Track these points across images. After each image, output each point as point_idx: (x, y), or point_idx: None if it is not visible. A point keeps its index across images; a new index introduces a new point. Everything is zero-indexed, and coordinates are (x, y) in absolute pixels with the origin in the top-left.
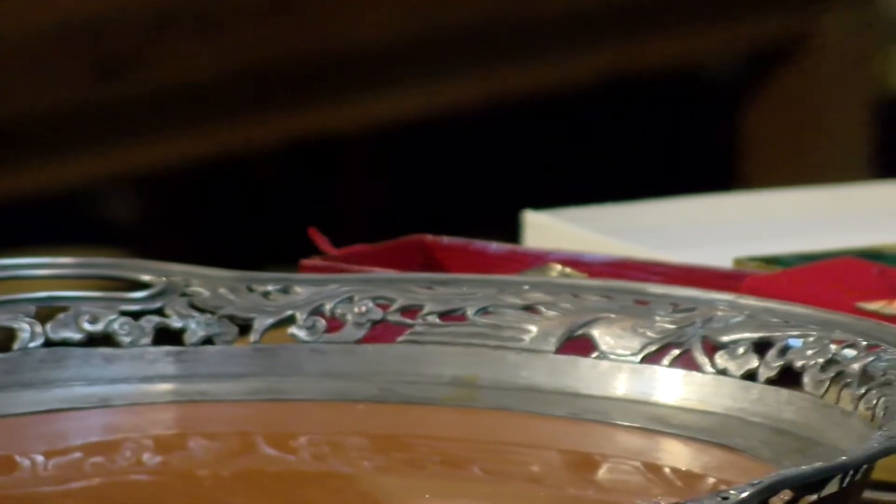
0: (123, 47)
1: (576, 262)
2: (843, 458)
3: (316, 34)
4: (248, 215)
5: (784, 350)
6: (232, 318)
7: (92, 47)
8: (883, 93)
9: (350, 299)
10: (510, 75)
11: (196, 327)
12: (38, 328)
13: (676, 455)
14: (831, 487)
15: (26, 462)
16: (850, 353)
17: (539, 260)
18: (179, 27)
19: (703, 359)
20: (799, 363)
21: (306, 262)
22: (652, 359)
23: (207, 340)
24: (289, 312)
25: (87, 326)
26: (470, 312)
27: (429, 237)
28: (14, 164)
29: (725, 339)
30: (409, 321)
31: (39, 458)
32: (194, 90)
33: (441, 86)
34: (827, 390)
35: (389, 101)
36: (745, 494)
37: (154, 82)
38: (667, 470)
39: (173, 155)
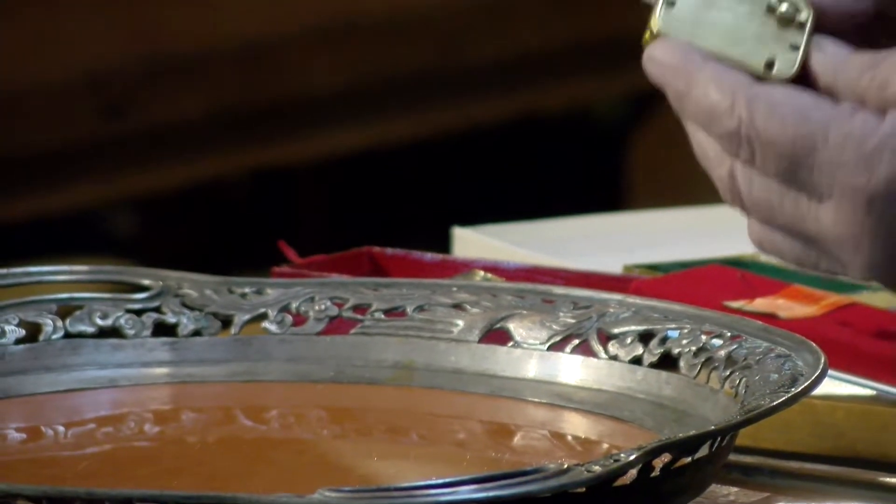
0: (123, 93)
1: (495, 269)
2: (712, 427)
3: (279, 82)
4: (227, 230)
5: (664, 340)
6: (216, 315)
7: (97, 92)
8: None
9: (312, 299)
10: (439, 115)
11: (187, 322)
12: (59, 323)
13: (577, 425)
14: (703, 451)
15: (50, 432)
16: (717, 342)
17: (465, 267)
18: (169, 76)
19: (598, 347)
20: (676, 350)
21: (276, 269)
22: (556, 347)
23: (196, 333)
24: (262, 310)
25: (99, 321)
26: (409, 309)
27: (375, 249)
28: (35, 190)
29: (616, 330)
30: (359, 317)
31: (60, 429)
32: (182, 128)
33: (381, 124)
34: (699, 372)
35: (340, 136)
36: (632, 457)
37: (149, 121)
38: (569, 437)
39: (166, 181)
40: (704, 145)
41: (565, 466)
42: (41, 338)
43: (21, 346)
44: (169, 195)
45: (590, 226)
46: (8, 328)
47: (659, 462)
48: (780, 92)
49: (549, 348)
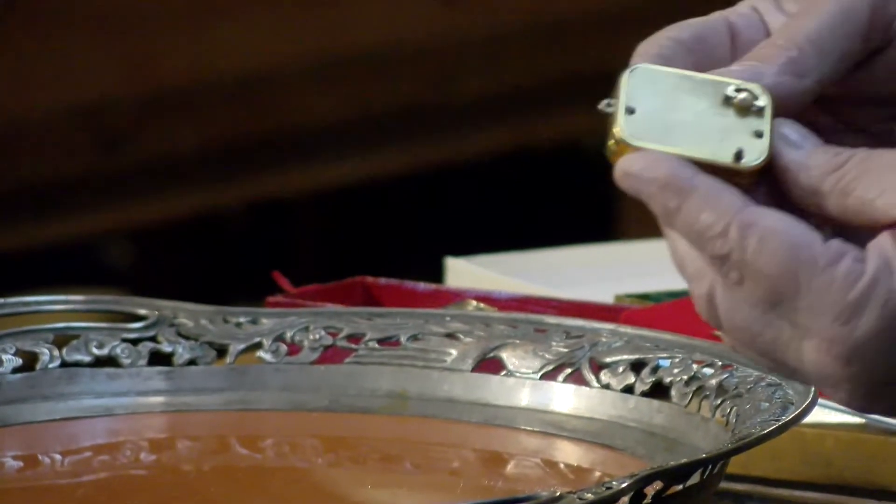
0: (120, 126)
1: (487, 299)
2: (703, 455)
3: (274, 116)
4: (222, 261)
5: (655, 369)
6: (211, 344)
7: (94, 126)
8: None
9: (306, 328)
10: (432, 147)
11: (182, 351)
12: (56, 352)
13: (569, 453)
14: (694, 479)
15: (46, 459)
16: (708, 371)
17: (458, 297)
18: (164, 110)
19: (590, 376)
20: (667, 379)
21: (271, 298)
22: (549, 376)
23: (192, 362)
24: (257, 339)
25: (95, 350)
26: (402, 339)
27: (368, 279)
28: (32, 221)
29: (608, 359)
30: (353, 346)
31: (57, 457)
32: (177, 160)
33: (375, 156)
34: (690, 401)
35: (334, 168)
36: (624, 485)
37: (145, 154)
38: (562, 465)
39: (161, 212)
40: (684, 258)
41: (558, 494)
42: (38, 367)
43: (18, 375)
44: (164, 226)
45: (581, 256)
46: (5, 357)
47: (651, 490)
48: (773, 220)
49: (542, 377)
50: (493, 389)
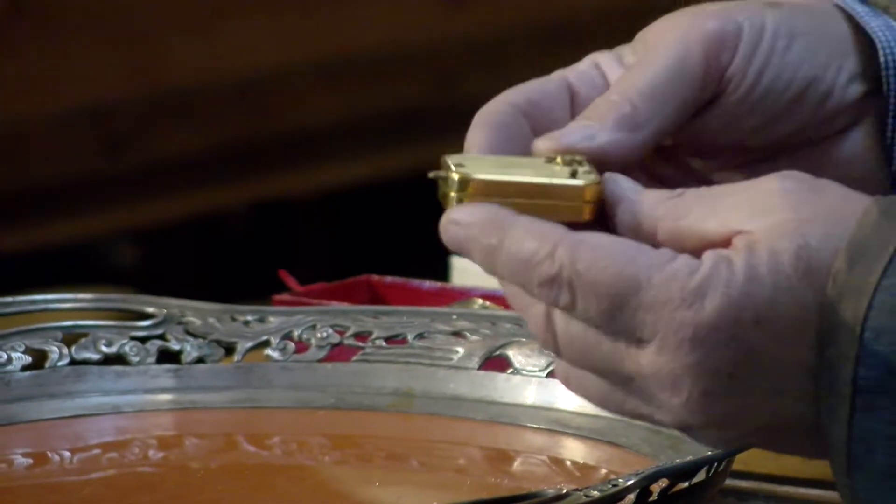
0: (125, 128)
1: (493, 297)
2: (709, 453)
3: (279, 117)
4: (228, 260)
5: None
6: (219, 342)
7: (100, 128)
8: None
9: (313, 327)
10: (436, 147)
11: (190, 349)
12: (65, 350)
13: (575, 451)
14: (699, 476)
15: (55, 457)
16: None
17: (463, 295)
18: (169, 112)
19: None
20: None
21: (278, 297)
22: (555, 374)
23: (199, 360)
24: (264, 337)
25: (104, 349)
26: (409, 337)
27: (374, 277)
28: (39, 221)
29: None
30: (360, 344)
31: (66, 454)
32: (181, 162)
33: (379, 156)
34: None
35: (339, 168)
36: (630, 482)
37: (150, 156)
38: (567, 463)
39: (166, 213)
40: (513, 295)
41: (564, 491)
42: (47, 365)
43: (27, 373)
44: (171, 226)
45: None
46: (14, 355)
47: (656, 487)
48: (601, 237)
49: (548, 375)
50: (499, 387)
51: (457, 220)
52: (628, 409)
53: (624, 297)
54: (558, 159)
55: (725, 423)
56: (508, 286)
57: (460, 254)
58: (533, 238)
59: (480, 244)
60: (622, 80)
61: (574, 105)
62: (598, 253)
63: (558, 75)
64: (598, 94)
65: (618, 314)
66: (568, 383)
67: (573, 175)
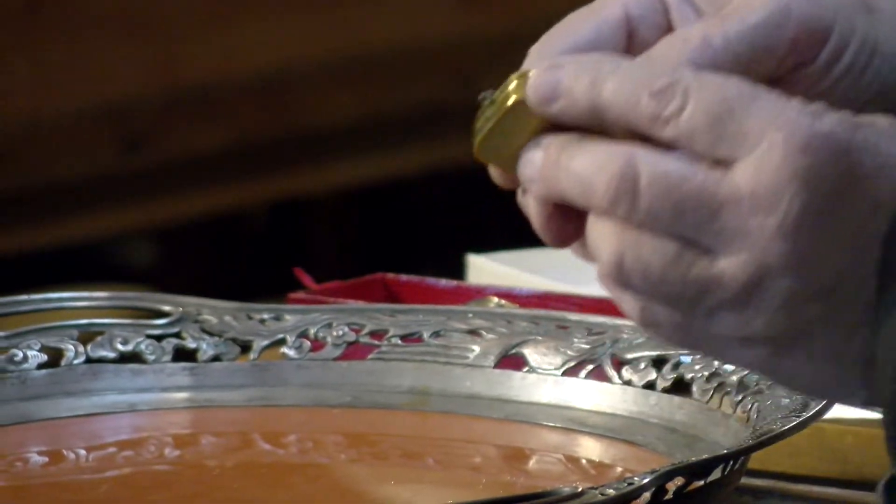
0: (142, 125)
1: (509, 295)
2: (724, 451)
3: (295, 114)
4: (241, 258)
5: (677, 365)
6: (234, 340)
7: (117, 126)
8: None
9: (329, 325)
10: (454, 145)
11: (206, 347)
12: (80, 348)
13: (590, 449)
14: (715, 474)
15: (71, 455)
16: (729, 367)
17: (479, 293)
18: (186, 109)
19: (611, 372)
20: (688, 375)
21: (293, 295)
22: (571, 372)
23: (215, 358)
24: (280, 336)
25: (120, 347)
26: (425, 335)
27: (390, 275)
28: (56, 219)
29: (630, 356)
30: (376, 342)
31: (81, 452)
32: (199, 160)
33: (396, 154)
34: (711, 397)
35: (356, 166)
36: (646, 480)
37: (167, 153)
38: (583, 461)
39: (183, 211)
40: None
41: (580, 490)
42: (63, 363)
43: (43, 371)
44: (187, 224)
45: None
46: (30, 353)
47: (672, 485)
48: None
49: (564, 374)
50: (515, 386)
51: (562, 63)
52: (694, 274)
53: (738, 102)
54: None
55: (804, 263)
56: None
57: (545, 103)
58: (651, 62)
59: (591, 71)
60: (707, 24)
61: (631, 46)
62: (715, 73)
63: (614, 12)
64: (660, 36)
65: (728, 119)
66: (642, 317)
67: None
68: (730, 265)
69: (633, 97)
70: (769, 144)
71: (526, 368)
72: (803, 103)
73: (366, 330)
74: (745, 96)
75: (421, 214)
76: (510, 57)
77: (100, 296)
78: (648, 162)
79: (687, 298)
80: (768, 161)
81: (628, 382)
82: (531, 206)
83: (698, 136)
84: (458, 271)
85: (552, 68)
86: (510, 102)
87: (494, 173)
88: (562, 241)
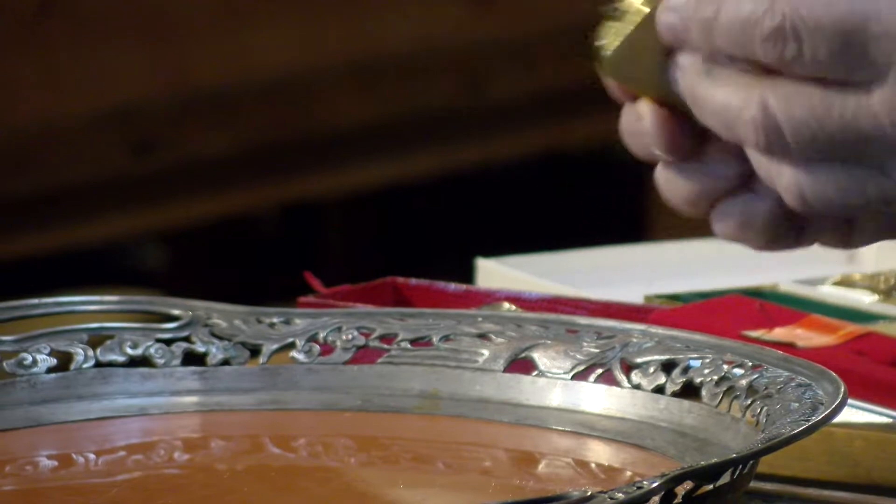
0: (153, 129)
1: (517, 299)
2: (734, 455)
3: (306, 118)
4: (252, 262)
5: (686, 369)
6: (244, 344)
7: (128, 129)
8: None
9: (339, 329)
10: (463, 150)
11: (216, 351)
12: (90, 352)
13: (600, 453)
14: (724, 479)
15: (81, 459)
16: (738, 371)
17: (488, 297)
18: (197, 114)
19: (621, 376)
20: (698, 380)
21: (303, 299)
22: (580, 376)
23: (225, 362)
24: (290, 339)
25: (129, 351)
26: (434, 339)
27: (399, 279)
28: (67, 223)
29: (639, 360)
30: (386, 346)
31: (91, 456)
32: (209, 163)
33: (407, 158)
34: (720, 401)
35: (366, 170)
36: (655, 484)
37: (178, 157)
38: (593, 465)
39: (193, 215)
40: (725, 92)
41: (589, 493)
42: (72, 367)
43: (52, 375)
44: (198, 228)
45: (611, 257)
46: (39, 357)
47: (681, 489)
48: None
49: (573, 377)
50: (525, 390)
51: (672, 6)
52: (871, 190)
53: (853, 32)
54: None
55: None
56: (717, 93)
57: (675, 43)
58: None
59: (698, 18)
60: None
61: None
62: None
63: None
64: None
65: (849, 52)
66: (803, 194)
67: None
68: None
69: (747, 44)
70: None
71: (535, 372)
72: None
73: (375, 334)
74: (859, 19)
75: (431, 218)
76: (520, 61)
77: (110, 299)
78: (780, 104)
79: (851, 152)
80: None
81: (637, 386)
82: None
83: (826, 71)
84: (467, 275)
85: (665, 10)
86: (641, 17)
87: (614, 88)
88: (675, 151)
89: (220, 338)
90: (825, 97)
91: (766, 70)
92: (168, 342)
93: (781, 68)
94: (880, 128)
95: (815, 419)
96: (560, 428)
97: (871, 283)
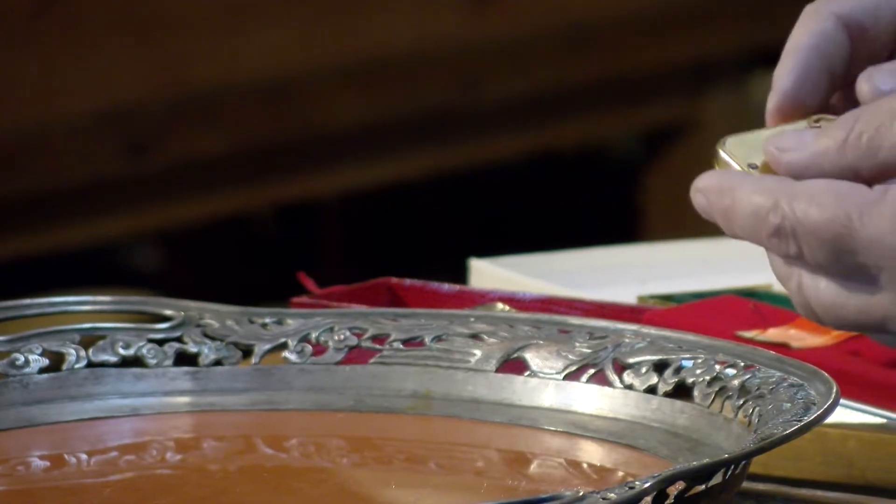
0: (148, 130)
1: (511, 300)
2: (726, 455)
3: (301, 119)
4: (248, 262)
5: (678, 369)
6: (236, 345)
7: (123, 130)
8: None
9: (331, 329)
10: (457, 151)
11: (208, 352)
12: (82, 352)
13: (592, 454)
14: (716, 479)
15: (73, 459)
16: (730, 371)
17: (481, 298)
18: (192, 114)
19: (613, 376)
20: (690, 380)
21: (296, 299)
22: (572, 376)
23: (217, 362)
24: (282, 340)
25: (122, 351)
26: (427, 339)
27: (393, 280)
28: (60, 224)
29: (631, 360)
30: (378, 346)
31: (83, 457)
32: (204, 164)
33: (400, 159)
34: (712, 401)
35: (360, 171)
36: (647, 484)
37: (172, 158)
38: (585, 466)
39: (188, 215)
40: (775, 264)
41: (581, 494)
42: (64, 367)
43: (45, 376)
44: (192, 229)
45: (604, 257)
46: (31, 357)
47: (673, 490)
48: (818, 182)
49: (565, 378)
50: (517, 390)
51: (698, 188)
52: None
53: (841, 239)
54: (821, 121)
55: None
56: (771, 260)
57: (710, 219)
58: (759, 194)
59: (718, 208)
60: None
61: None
62: (814, 198)
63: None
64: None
65: (842, 256)
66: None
67: None
68: None
69: (758, 236)
70: (889, 275)
71: (528, 373)
72: None
73: (368, 334)
74: (844, 228)
75: (426, 218)
76: (515, 61)
77: (102, 300)
78: (809, 287)
79: (875, 328)
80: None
81: (630, 387)
82: None
83: (830, 273)
84: (461, 276)
85: (695, 192)
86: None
87: None
88: None
89: (213, 338)
90: (839, 290)
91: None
92: (160, 342)
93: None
94: (891, 316)
95: (807, 419)
96: (552, 428)
97: None
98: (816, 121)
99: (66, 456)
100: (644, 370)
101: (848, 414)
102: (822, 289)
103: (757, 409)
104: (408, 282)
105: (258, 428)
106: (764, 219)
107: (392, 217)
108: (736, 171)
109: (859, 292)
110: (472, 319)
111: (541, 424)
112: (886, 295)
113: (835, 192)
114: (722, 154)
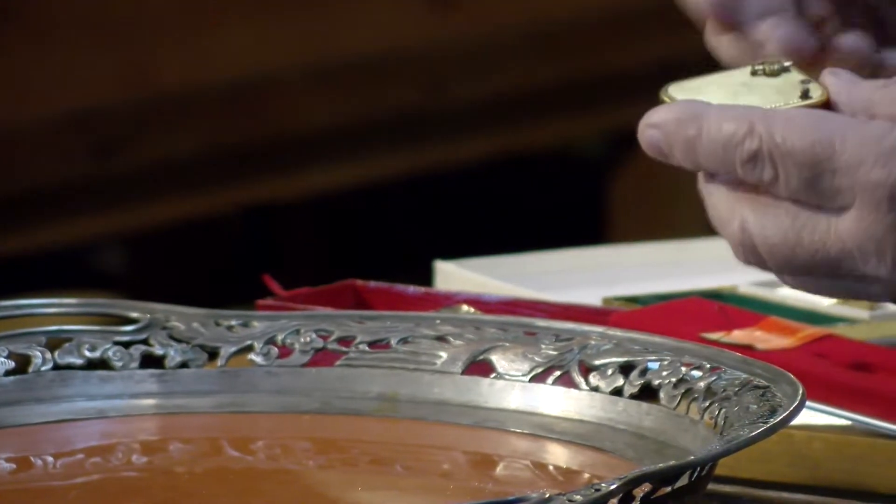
0: (115, 132)
1: (477, 302)
2: (692, 457)
3: (268, 121)
4: (213, 264)
5: (644, 371)
6: (202, 347)
7: (90, 132)
8: None
9: (297, 331)
10: (424, 152)
11: (174, 354)
12: (48, 355)
13: (558, 456)
14: (683, 481)
15: (39, 462)
16: (696, 373)
17: (447, 300)
18: (160, 116)
19: (579, 378)
20: (656, 382)
21: (262, 301)
22: (538, 378)
23: (183, 364)
24: (248, 342)
25: (88, 353)
26: (393, 342)
27: (359, 282)
28: (27, 226)
29: (597, 362)
30: (344, 349)
31: (49, 459)
32: (171, 166)
33: (367, 161)
34: (678, 403)
35: (326, 173)
36: (613, 486)
37: (139, 160)
38: (551, 468)
39: (155, 217)
40: (717, 202)
41: (547, 496)
42: (31, 369)
43: (10, 378)
44: (158, 231)
45: (570, 259)
46: None
47: (639, 491)
48: (796, 110)
49: (531, 380)
50: (483, 392)
51: (653, 123)
52: (849, 291)
53: (821, 162)
54: (764, 67)
55: None
56: (711, 198)
57: (660, 157)
58: (730, 120)
59: (680, 138)
60: None
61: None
62: (793, 122)
63: None
64: None
65: (817, 181)
66: (794, 287)
67: (805, 95)
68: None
69: (729, 165)
70: (859, 204)
71: (494, 375)
72: (880, 132)
73: (334, 336)
74: (825, 150)
75: (392, 220)
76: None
77: (69, 302)
78: (756, 227)
79: (824, 272)
80: (863, 218)
81: (596, 389)
82: None
83: (798, 195)
84: (427, 278)
85: (647, 128)
86: None
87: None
88: None
89: (179, 340)
90: (798, 223)
91: (750, 186)
92: (126, 345)
93: (762, 188)
94: (848, 252)
95: (773, 421)
96: (518, 430)
97: None
98: (760, 64)
99: (32, 458)
100: (610, 372)
101: (813, 416)
102: (771, 227)
103: (723, 410)
104: (373, 284)
105: (224, 430)
106: (739, 144)
107: (358, 219)
108: (696, 100)
109: (821, 225)
110: (439, 322)
111: (507, 426)
112: (848, 223)
113: (814, 117)
114: (666, 101)
